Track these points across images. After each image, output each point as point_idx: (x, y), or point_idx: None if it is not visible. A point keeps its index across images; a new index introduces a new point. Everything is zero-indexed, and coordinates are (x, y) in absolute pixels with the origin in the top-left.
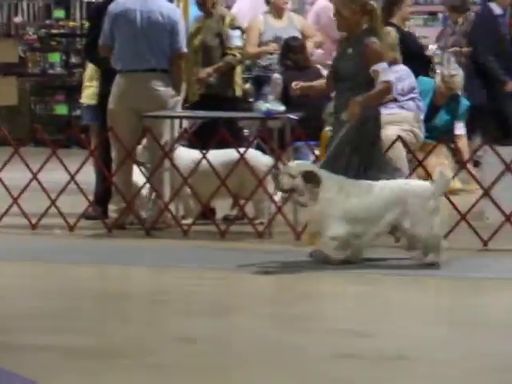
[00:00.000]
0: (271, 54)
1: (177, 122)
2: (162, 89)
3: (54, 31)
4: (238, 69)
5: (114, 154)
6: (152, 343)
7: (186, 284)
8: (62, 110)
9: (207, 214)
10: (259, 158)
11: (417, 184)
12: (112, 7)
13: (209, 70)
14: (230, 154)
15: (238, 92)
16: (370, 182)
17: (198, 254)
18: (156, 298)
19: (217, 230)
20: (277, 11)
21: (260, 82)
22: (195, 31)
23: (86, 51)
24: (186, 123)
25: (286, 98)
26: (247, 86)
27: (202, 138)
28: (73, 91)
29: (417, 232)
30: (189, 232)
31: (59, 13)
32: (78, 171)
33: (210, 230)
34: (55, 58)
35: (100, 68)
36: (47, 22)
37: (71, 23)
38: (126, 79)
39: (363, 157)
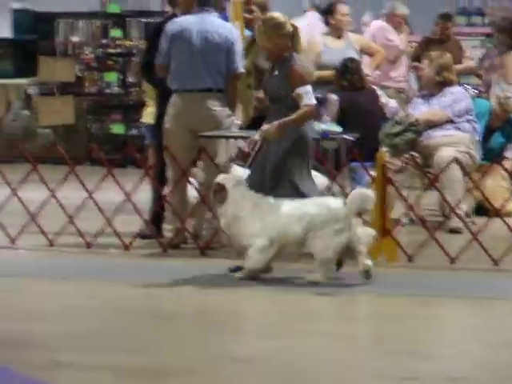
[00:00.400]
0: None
1: (232, 141)
2: (217, 108)
3: (111, 50)
4: None
5: (169, 174)
6: (205, 363)
7: (239, 304)
8: (118, 129)
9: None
10: (315, 178)
11: (328, 203)
12: (169, 27)
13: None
14: None
15: None
16: (278, 199)
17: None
18: (210, 317)
19: None
20: (336, 32)
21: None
22: (245, 52)
23: (142, 71)
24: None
25: (342, 118)
26: None
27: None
28: (129, 110)
29: (313, 248)
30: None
31: (116, 32)
32: (133, 191)
33: None
34: (112, 77)
35: (156, 88)
36: (104, 41)
37: (128, 42)
38: (182, 99)
39: (284, 172)
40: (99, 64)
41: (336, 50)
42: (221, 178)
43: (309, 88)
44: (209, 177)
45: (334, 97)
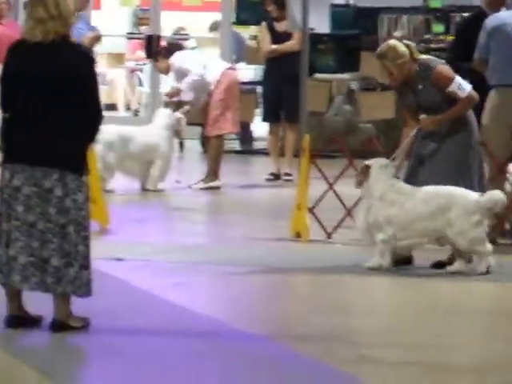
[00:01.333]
0: None
1: None
2: None
3: (433, 46)
4: None
5: (487, 169)
6: None
7: None
8: None
9: None
10: None
11: (464, 194)
12: (489, 21)
13: None
14: None
15: None
16: (415, 187)
17: None
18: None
19: None
20: None
21: None
22: None
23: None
24: None
25: None
26: None
27: None
28: None
29: (459, 243)
30: None
31: (438, 27)
32: None
33: None
34: None
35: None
36: (426, 36)
37: (450, 38)
38: (501, 94)
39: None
40: None
41: None
42: (370, 161)
43: (457, 80)
44: None
45: None
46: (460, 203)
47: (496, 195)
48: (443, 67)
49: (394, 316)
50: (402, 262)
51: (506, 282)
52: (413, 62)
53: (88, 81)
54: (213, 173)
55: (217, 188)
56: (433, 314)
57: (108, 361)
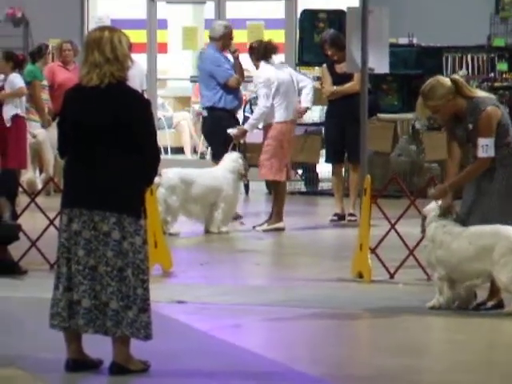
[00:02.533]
0: None
1: None
2: None
3: (497, 84)
4: None
5: None
6: None
7: None
8: None
9: None
10: None
11: (508, 234)
12: None
13: None
14: None
15: None
16: (463, 228)
17: None
18: None
19: None
20: None
21: None
22: None
23: None
24: None
25: None
26: None
27: None
28: None
29: (499, 280)
30: None
31: (502, 66)
32: None
33: None
34: None
35: None
36: (490, 75)
37: None
38: None
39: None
40: None
41: None
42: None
43: (488, 141)
44: None
45: None
46: (504, 241)
47: None
48: (491, 113)
49: (456, 355)
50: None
51: None
52: (462, 98)
53: (144, 124)
54: (277, 214)
55: (281, 230)
56: (495, 353)
57: None
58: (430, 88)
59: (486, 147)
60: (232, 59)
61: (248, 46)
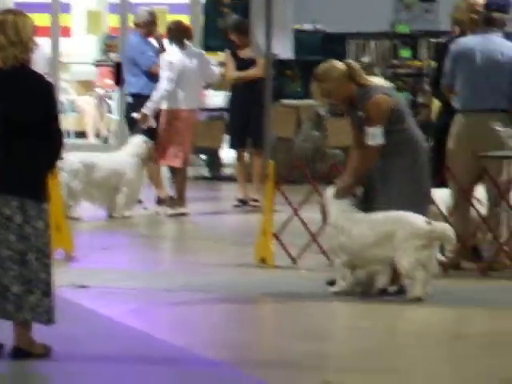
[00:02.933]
0: None
1: None
2: (501, 129)
3: (401, 71)
4: None
5: (452, 194)
6: None
7: None
8: None
9: None
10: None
11: (411, 220)
12: (453, 47)
13: None
14: None
15: None
16: (364, 214)
17: None
18: (490, 339)
19: None
20: None
21: None
22: None
23: (432, 90)
24: None
25: None
26: None
27: None
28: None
29: (400, 265)
30: None
31: (405, 52)
32: None
33: None
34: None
35: (442, 103)
36: (394, 61)
37: (417, 63)
38: (465, 119)
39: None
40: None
41: None
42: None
43: (374, 129)
44: (490, 197)
45: None
46: (405, 227)
47: (447, 230)
48: (378, 101)
49: (359, 341)
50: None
51: (465, 306)
52: (355, 84)
53: (47, 108)
54: (180, 199)
55: (185, 215)
56: (397, 339)
57: None
58: (324, 70)
59: (373, 135)
60: (157, 45)
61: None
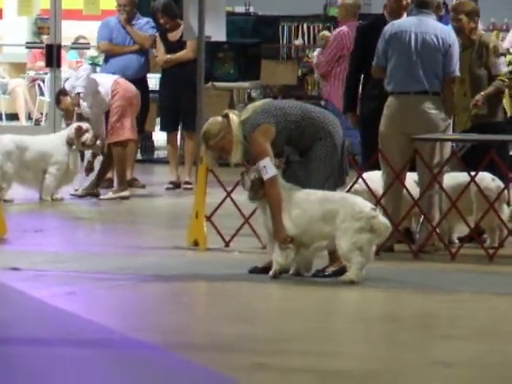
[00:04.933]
0: None
1: (447, 145)
2: (433, 112)
3: None
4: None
5: (383, 177)
6: (407, 366)
7: (450, 307)
8: None
9: (475, 236)
10: (489, 182)
11: (356, 202)
12: (387, 28)
13: (480, 95)
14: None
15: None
16: (309, 192)
17: (464, 278)
18: (420, 321)
19: (485, 254)
20: None
21: None
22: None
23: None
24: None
25: None
26: None
27: (470, 161)
28: None
29: (339, 244)
30: (457, 255)
31: None
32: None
33: (478, 254)
34: None
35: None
36: None
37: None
38: (397, 101)
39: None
40: None
41: None
42: (258, 173)
43: (263, 162)
44: (423, 180)
45: None
46: (348, 208)
47: (385, 225)
48: (255, 138)
49: (293, 323)
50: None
51: (397, 289)
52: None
53: None
54: (121, 182)
55: (125, 198)
56: (331, 321)
57: None
58: (205, 131)
59: (265, 168)
60: None
61: None
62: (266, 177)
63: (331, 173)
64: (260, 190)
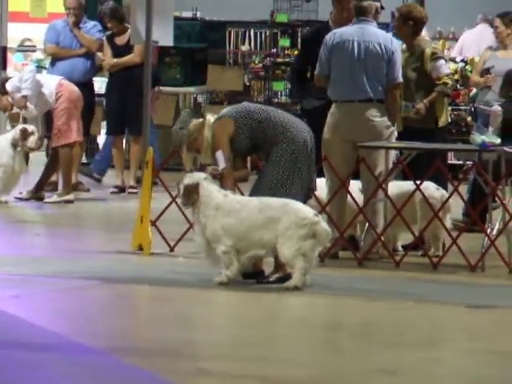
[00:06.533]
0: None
1: (392, 153)
2: (377, 119)
3: (280, 60)
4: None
5: (328, 184)
6: (351, 374)
7: (394, 315)
8: None
9: (419, 245)
10: (434, 191)
11: (298, 208)
12: (329, 37)
13: (422, 103)
14: (405, 186)
15: (442, 123)
16: (250, 198)
17: (408, 286)
18: (364, 328)
19: (429, 262)
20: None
21: (476, 114)
22: None
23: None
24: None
25: (504, 130)
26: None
27: (412, 169)
28: None
29: (281, 251)
30: (401, 263)
31: (284, 42)
32: None
33: (423, 262)
34: (280, 86)
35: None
36: (273, 50)
37: (296, 52)
38: (341, 109)
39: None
40: (267, 73)
41: (500, 60)
42: (191, 178)
43: (217, 154)
44: (367, 187)
45: (498, 108)
46: (291, 215)
47: (326, 232)
48: (214, 130)
49: (236, 329)
50: (250, 276)
51: (342, 296)
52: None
53: None
54: (67, 185)
55: (70, 202)
56: (274, 327)
57: None
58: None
59: (218, 160)
60: None
61: None
62: (220, 167)
63: (287, 179)
64: (192, 195)
